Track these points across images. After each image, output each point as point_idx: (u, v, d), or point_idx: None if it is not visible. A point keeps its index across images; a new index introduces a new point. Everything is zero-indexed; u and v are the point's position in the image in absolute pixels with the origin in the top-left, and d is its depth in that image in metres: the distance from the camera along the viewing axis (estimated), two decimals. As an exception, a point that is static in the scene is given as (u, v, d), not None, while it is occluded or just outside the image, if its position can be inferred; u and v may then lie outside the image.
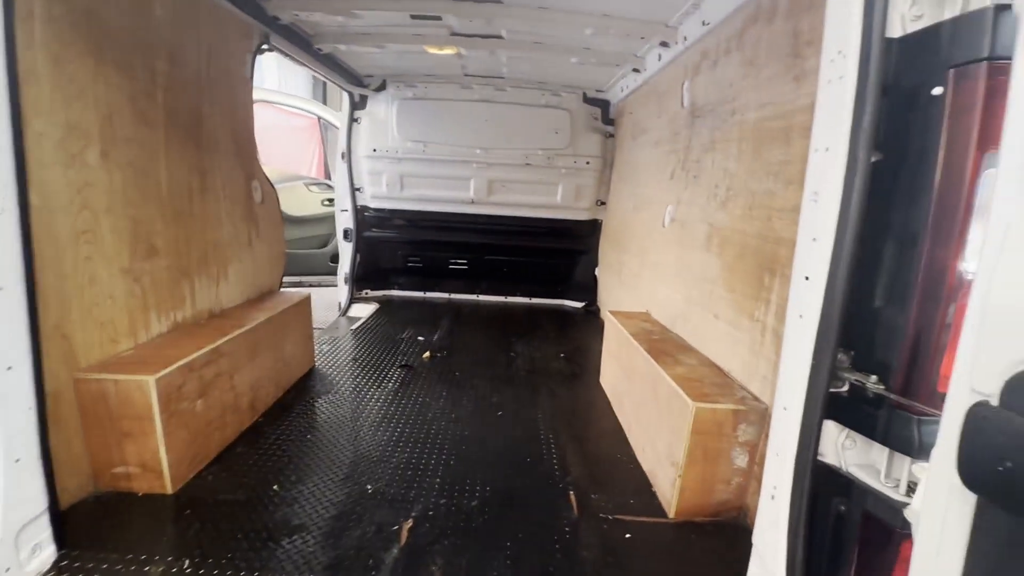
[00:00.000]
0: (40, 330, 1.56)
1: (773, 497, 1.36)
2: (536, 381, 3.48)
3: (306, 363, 3.39)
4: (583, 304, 5.57)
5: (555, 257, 5.60)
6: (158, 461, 1.97)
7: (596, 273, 5.45)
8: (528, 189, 5.18)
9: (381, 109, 4.97)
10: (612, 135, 5.06)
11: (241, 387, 2.53)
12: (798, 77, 1.86)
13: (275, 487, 2.10)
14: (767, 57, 2.10)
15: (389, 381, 3.32)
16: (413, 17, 3.10)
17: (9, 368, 1.45)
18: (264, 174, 3.27)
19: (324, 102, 9.66)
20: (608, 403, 3.15)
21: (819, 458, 1.24)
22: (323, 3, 2.95)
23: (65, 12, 1.78)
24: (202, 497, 2.02)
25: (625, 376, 2.92)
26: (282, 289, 3.54)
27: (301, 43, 3.46)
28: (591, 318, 5.23)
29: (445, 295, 5.66)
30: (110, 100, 2.00)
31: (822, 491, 1.24)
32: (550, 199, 5.23)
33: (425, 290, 5.66)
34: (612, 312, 3.36)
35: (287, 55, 3.49)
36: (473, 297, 5.66)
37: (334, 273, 5.49)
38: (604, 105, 5.03)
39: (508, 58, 3.95)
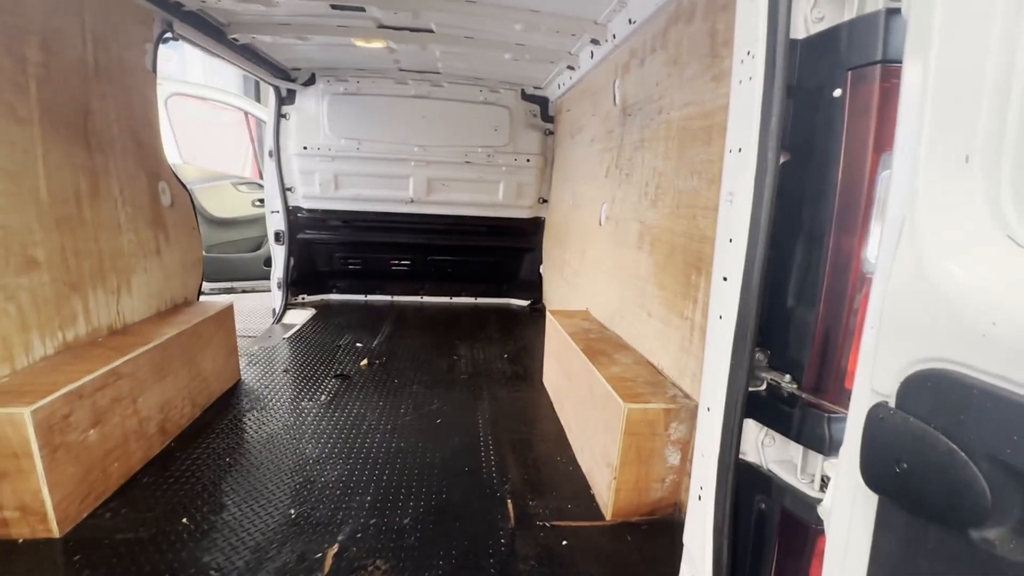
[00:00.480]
0: None
1: (700, 498, 1.36)
2: (478, 385, 3.41)
3: (230, 378, 3.16)
4: (529, 302, 5.56)
5: (500, 256, 5.55)
6: (41, 502, 1.74)
7: (541, 271, 5.44)
8: (469, 187, 5.08)
9: (311, 104, 4.72)
10: (551, 132, 5.05)
11: (147, 410, 2.30)
12: (716, 77, 1.88)
13: (184, 520, 1.92)
14: (689, 56, 2.12)
15: (322, 393, 3.14)
16: (334, 7, 2.92)
17: None
18: (173, 174, 2.99)
19: (257, 97, 9.11)
20: (551, 404, 3.12)
21: (741, 456, 1.25)
22: (233, -11, 2.73)
23: None
24: (96, 538, 1.81)
25: (565, 376, 2.90)
26: (203, 298, 3.27)
27: (213, 32, 3.19)
28: (536, 317, 5.21)
29: (387, 298, 5.49)
30: (-34, 92, 1.74)
31: (744, 489, 1.25)
32: (492, 197, 5.16)
33: (366, 293, 5.46)
34: (552, 311, 3.34)
35: (197, 45, 3.21)
36: (417, 299, 5.51)
37: (269, 278, 5.19)
38: (543, 102, 5.01)
39: (442, 53, 3.83)
